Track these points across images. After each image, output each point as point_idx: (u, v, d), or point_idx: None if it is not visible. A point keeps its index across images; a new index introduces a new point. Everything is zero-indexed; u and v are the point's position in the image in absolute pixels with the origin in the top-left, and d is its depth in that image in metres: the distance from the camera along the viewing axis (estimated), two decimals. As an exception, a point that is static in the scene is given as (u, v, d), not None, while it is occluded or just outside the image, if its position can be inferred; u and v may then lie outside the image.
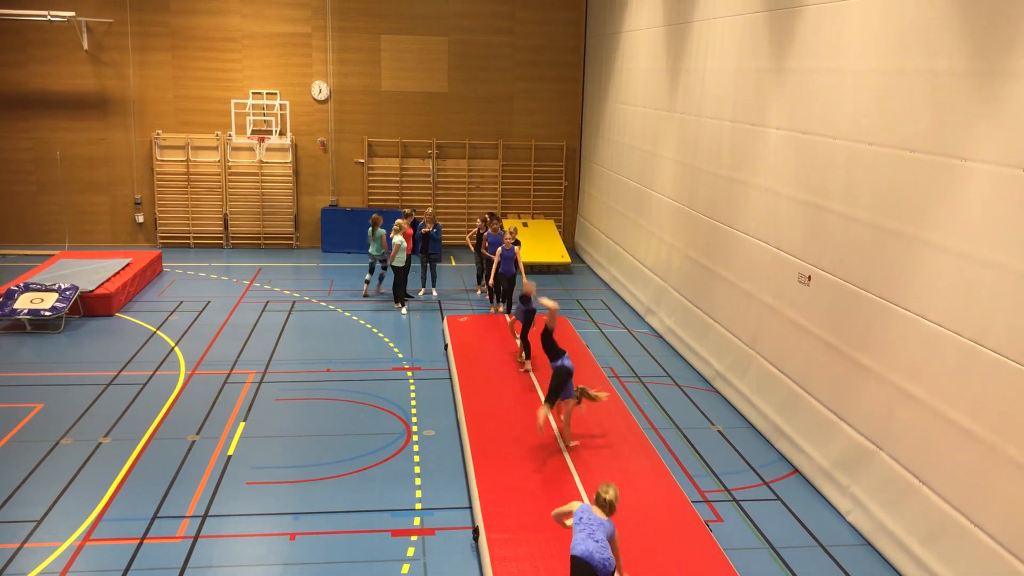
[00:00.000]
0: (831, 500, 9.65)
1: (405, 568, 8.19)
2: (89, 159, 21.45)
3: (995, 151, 7.30)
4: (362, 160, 22.32)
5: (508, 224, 21.37)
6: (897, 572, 8.36)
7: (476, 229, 17.67)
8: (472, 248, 17.98)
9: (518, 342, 13.32)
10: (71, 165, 21.39)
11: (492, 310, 16.38)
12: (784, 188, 11.09)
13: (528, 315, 12.91)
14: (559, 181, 23.18)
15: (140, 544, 8.48)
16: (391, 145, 22.35)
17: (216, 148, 21.74)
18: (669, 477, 9.67)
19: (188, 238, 22.07)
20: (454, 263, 21.16)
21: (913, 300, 8.38)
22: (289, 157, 21.94)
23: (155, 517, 8.99)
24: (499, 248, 15.56)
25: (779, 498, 9.80)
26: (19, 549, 8.34)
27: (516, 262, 15.43)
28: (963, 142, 7.69)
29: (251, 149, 21.78)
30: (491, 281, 15.65)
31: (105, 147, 21.48)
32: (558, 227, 22.67)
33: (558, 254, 20.55)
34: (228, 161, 21.81)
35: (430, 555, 8.43)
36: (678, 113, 15.19)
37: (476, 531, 8.57)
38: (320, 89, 21.82)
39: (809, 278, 10.38)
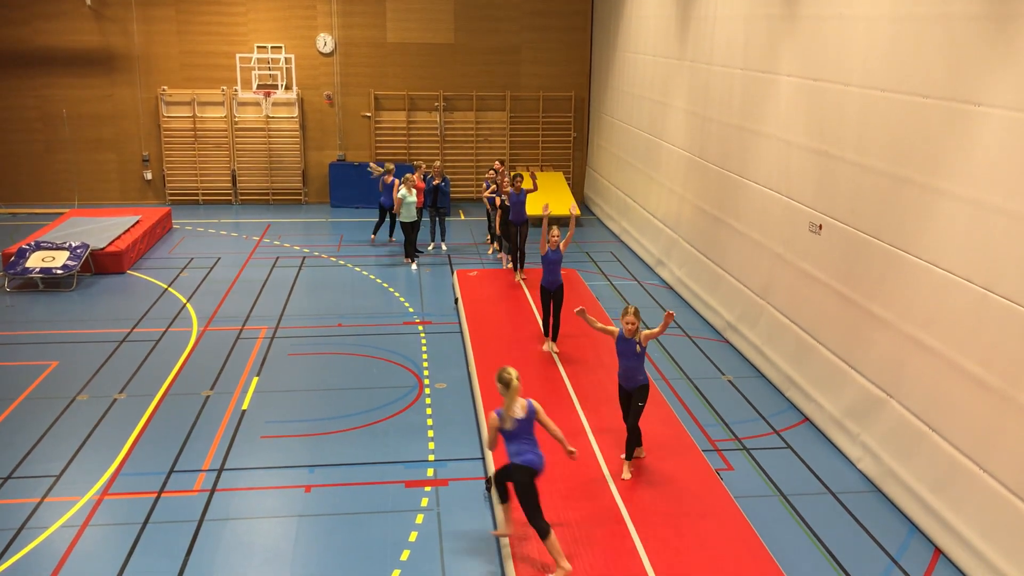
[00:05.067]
0: (841, 448, 9.71)
1: (419, 518, 8.30)
2: (96, 116, 21.37)
3: (1010, 96, 7.19)
4: (369, 114, 22.17)
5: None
6: (907, 518, 8.43)
7: (495, 186, 16.38)
8: (489, 206, 16.94)
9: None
10: (78, 123, 21.32)
11: (501, 259, 16.40)
12: (796, 137, 10.98)
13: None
14: (568, 132, 23.00)
15: (158, 497, 8.61)
16: (398, 98, 22.18)
17: (222, 103, 21.62)
18: (680, 426, 9.73)
19: (197, 195, 22.06)
20: (463, 217, 21.10)
21: (925, 248, 8.33)
22: (295, 111, 21.81)
23: (172, 471, 9.12)
24: (498, 198, 15.59)
25: (789, 446, 9.86)
26: (40, 503, 8.48)
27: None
28: (977, 87, 7.57)
29: (257, 104, 21.65)
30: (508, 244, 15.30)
31: (111, 104, 21.38)
32: (567, 179, 22.54)
33: (567, 206, 20.42)
34: (235, 116, 21.70)
35: (444, 505, 8.54)
36: (688, 61, 15.00)
37: (489, 481, 8.66)
38: (325, 42, 21.61)
39: (820, 227, 10.32)
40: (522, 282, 14.65)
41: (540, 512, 7.13)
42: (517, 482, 7.15)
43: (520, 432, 7.20)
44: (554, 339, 11.84)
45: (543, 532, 7.08)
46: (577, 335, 12.04)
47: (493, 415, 7.26)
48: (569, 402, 10.26)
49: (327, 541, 7.94)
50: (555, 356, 11.57)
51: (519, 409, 7.20)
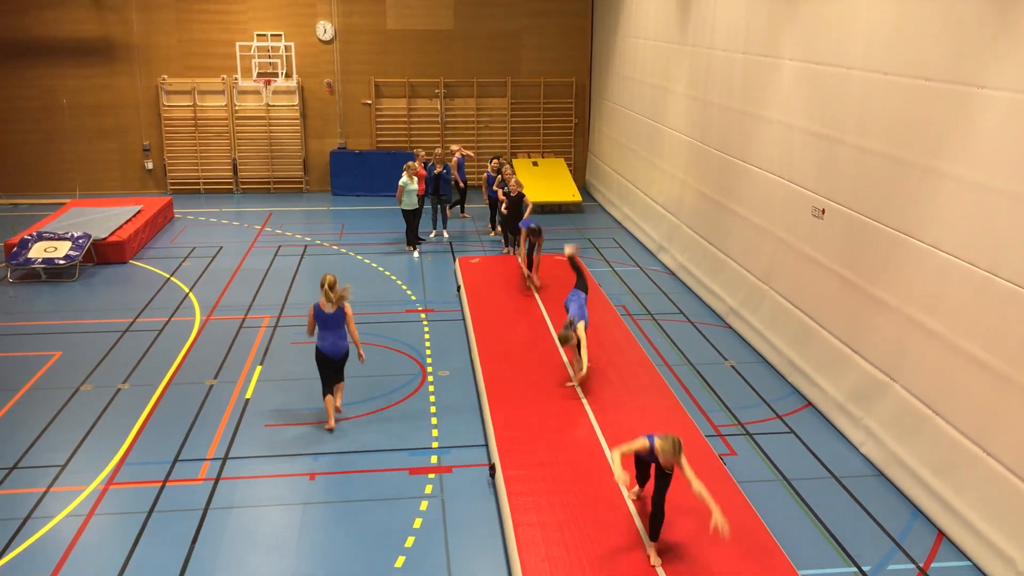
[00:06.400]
0: (844, 432, 9.72)
1: (423, 505, 8.33)
2: (96, 106, 21.33)
3: (1013, 78, 7.16)
4: (369, 101, 22.11)
5: (517, 164, 21.23)
6: (910, 502, 8.44)
7: (499, 177, 16.61)
8: (499, 199, 16.41)
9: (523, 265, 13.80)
10: (78, 113, 21.29)
11: (505, 251, 16.37)
12: (797, 121, 10.94)
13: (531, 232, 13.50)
14: (569, 118, 22.94)
15: (163, 486, 8.64)
16: (398, 85, 22.12)
17: (222, 92, 21.57)
18: (683, 412, 9.74)
19: (198, 184, 22.04)
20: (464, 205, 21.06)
21: (928, 232, 8.31)
22: (296, 100, 21.76)
23: (176, 460, 9.15)
24: (501, 191, 15.63)
25: (792, 431, 9.87)
26: (45, 493, 8.51)
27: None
28: (980, 70, 7.54)
29: (258, 93, 21.60)
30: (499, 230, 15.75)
31: (112, 94, 21.34)
32: (568, 165, 22.49)
33: (569, 193, 20.42)
34: (235, 105, 21.66)
35: (448, 492, 8.56)
36: (689, 46, 14.94)
37: (492, 468, 8.68)
38: (325, 29, 21.53)
39: (823, 211, 10.29)
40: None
41: (323, 384, 9.71)
42: (316, 359, 9.60)
43: (328, 324, 9.47)
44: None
45: (323, 394, 9.75)
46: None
47: (311, 308, 9.54)
48: (573, 394, 10.25)
49: (331, 529, 7.97)
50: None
51: (330, 306, 9.42)
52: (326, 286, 9.47)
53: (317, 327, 9.58)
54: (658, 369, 11.01)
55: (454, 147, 19.13)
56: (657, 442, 6.88)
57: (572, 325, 10.15)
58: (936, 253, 8.17)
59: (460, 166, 18.80)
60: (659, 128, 16.69)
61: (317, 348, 9.58)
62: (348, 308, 9.57)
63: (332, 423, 9.67)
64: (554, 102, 22.78)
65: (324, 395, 9.76)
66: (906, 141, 8.62)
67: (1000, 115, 7.30)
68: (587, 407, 9.78)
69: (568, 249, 11.89)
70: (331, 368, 9.66)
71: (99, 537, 7.86)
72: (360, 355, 9.72)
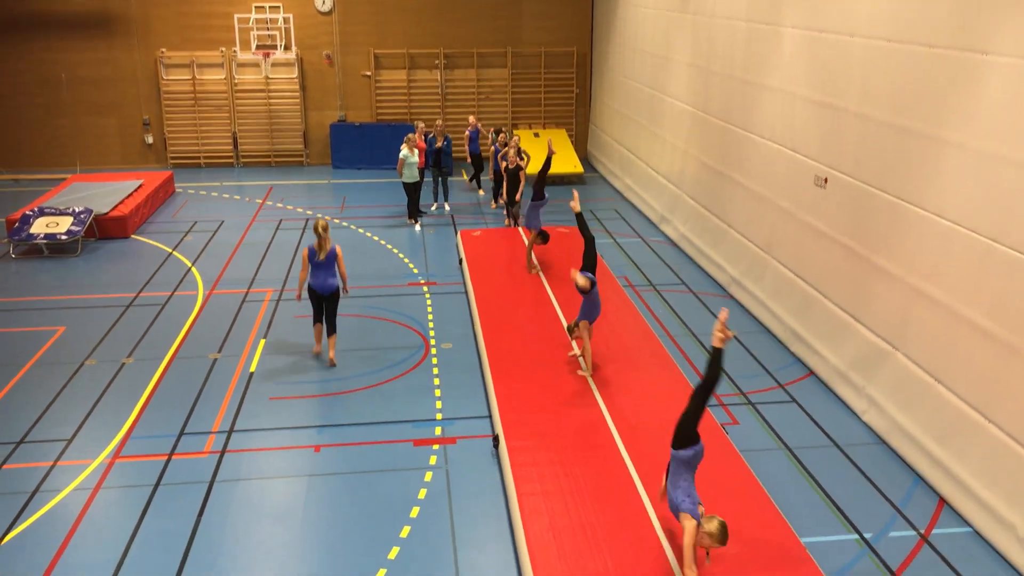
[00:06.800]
0: (847, 401, 9.75)
1: (428, 476, 8.38)
2: (95, 80, 21.21)
3: (1017, 44, 7.10)
4: (369, 73, 21.98)
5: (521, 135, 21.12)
6: (912, 469, 8.49)
7: (504, 150, 16.26)
8: (502, 171, 16.42)
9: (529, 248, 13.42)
10: (77, 87, 21.17)
11: (507, 223, 16.34)
12: (799, 89, 10.87)
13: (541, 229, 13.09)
14: (570, 89, 22.79)
15: (168, 459, 8.70)
16: (398, 56, 21.97)
17: (221, 65, 21.44)
18: (686, 384, 9.76)
19: (198, 158, 21.97)
20: (466, 177, 21.00)
21: (931, 200, 8.29)
22: (295, 72, 21.63)
23: (182, 433, 9.20)
24: (505, 163, 15.57)
25: (795, 400, 9.90)
26: (52, 467, 8.57)
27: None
28: (984, 36, 7.48)
29: (257, 65, 21.46)
30: (508, 196, 15.64)
31: (111, 68, 21.21)
32: (570, 136, 22.38)
33: (571, 164, 20.34)
34: (234, 78, 21.54)
35: (452, 463, 8.62)
36: (691, 14, 14.82)
37: (496, 439, 8.73)
38: (323, 0, 21.35)
39: (825, 180, 10.26)
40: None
41: (314, 313, 10.76)
42: (308, 294, 10.63)
43: (321, 266, 10.44)
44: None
45: (313, 322, 10.84)
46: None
47: (305, 250, 10.49)
48: (576, 365, 10.28)
49: (337, 500, 8.03)
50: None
51: (322, 252, 10.36)
52: (319, 229, 10.39)
53: (310, 267, 10.52)
54: (660, 340, 11.04)
55: (472, 119, 19.05)
56: (704, 519, 6.44)
57: (578, 322, 9.92)
58: (939, 221, 8.15)
59: (473, 139, 18.73)
60: (660, 98, 16.60)
61: (308, 285, 10.61)
62: (339, 250, 10.66)
63: (320, 348, 10.88)
64: (555, 72, 22.62)
65: (314, 323, 10.85)
66: (909, 109, 8.57)
67: (1004, 82, 7.25)
68: (590, 379, 9.80)
69: (575, 204, 10.71)
70: (320, 302, 10.69)
71: (106, 510, 7.93)
72: (345, 288, 10.81)
